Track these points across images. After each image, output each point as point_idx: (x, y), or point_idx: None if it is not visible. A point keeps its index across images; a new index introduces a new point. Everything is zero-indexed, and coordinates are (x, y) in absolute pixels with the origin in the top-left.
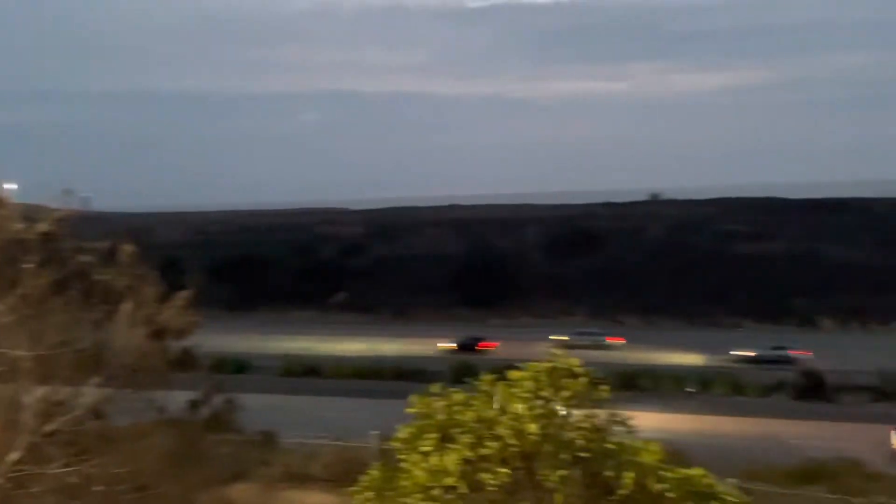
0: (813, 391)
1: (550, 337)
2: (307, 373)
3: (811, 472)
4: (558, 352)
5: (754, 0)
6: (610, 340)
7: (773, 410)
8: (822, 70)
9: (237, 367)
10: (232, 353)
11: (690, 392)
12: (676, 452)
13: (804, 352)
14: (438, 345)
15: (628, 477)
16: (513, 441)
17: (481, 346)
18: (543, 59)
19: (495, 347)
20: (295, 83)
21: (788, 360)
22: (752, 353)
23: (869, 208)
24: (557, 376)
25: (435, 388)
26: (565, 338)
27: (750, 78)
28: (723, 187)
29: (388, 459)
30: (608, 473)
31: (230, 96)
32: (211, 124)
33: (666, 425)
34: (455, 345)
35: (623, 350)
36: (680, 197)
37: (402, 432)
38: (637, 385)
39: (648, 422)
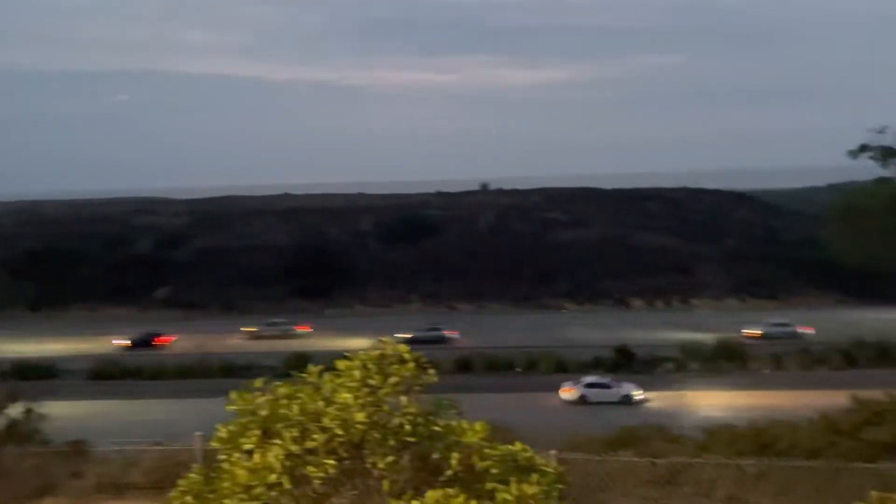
0: (625, 365)
1: (242, 328)
2: (125, 375)
3: (623, 438)
4: (386, 339)
5: (575, 2)
6: (298, 329)
7: None
8: (633, 70)
9: (41, 371)
10: (35, 356)
11: (518, 372)
12: (501, 429)
13: (453, 332)
14: (113, 341)
15: (454, 457)
16: (340, 431)
17: (157, 341)
18: (376, 49)
19: (171, 342)
20: (108, 61)
21: (442, 340)
22: (410, 335)
23: (670, 197)
24: (386, 363)
25: (257, 382)
26: (255, 328)
27: (570, 75)
28: (546, 178)
29: (210, 461)
30: (436, 456)
31: (32, 73)
32: (9, 103)
33: (504, 402)
34: (129, 341)
35: (309, 338)
36: (508, 187)
37: (223, 431)
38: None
39: (482, 402)
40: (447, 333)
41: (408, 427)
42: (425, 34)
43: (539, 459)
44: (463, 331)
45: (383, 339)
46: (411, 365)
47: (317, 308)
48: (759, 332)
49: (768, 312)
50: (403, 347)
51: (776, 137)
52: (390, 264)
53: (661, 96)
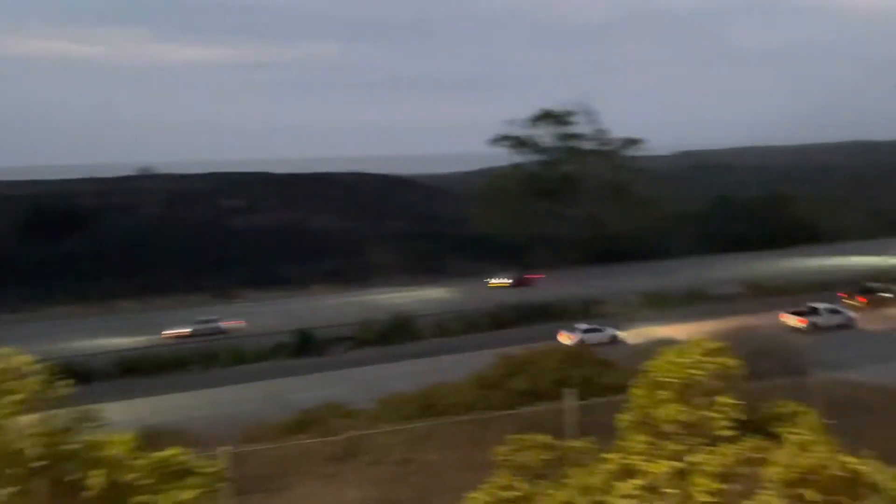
0: (305, 348)
1: None
2: None
3: (302, 422)
4: (4, 350)
5: None
6: None
7: (273, 372)
8: (296, 55)
9: None
10: None
11: (191, 370)
12: (165, 434)
13: None
14: None
15: (95, 475)
16: None
17: None
18: None
19: None
20: None
21: None
22: None
23: (342, 182)
24: (2, 379)
25: None
26: None
27: (233, 56)
28: (216, 162)
29: None
30: (73, 476)
31: None
32: None
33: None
34: None
35: None
36: (173, 172)
37: None
38: None
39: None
40: None
41: (37, 450)
42: None
43: (197, 461)
44: (123, 330)
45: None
46: (35, 379)
47: None
48: (188, 330)
49: (433, 288)
50: (25, 359)
51: (435, 125)
52: (32, 263)
53: (326, 82)
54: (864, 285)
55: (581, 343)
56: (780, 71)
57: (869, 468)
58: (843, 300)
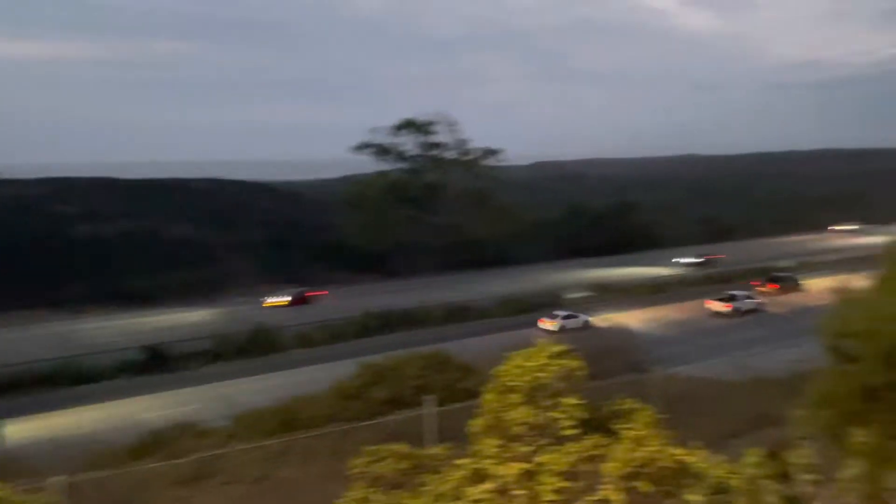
0: (157, 364)
1: None
2: None
3: (151, 444)
4: None
5: None
6: None
7: (121, 391)
8: (144, 53)
9: None
10: None
11: (27, 393)
12: None
13: None
14: None
15: None
16: None
17: None
18: None
19: None
20: None
21: None
22: None
23: (195, 188)
24: None
25: None
26: None
27: (71, 52)
28: (51, 166)
29: None
30: None
31: None
32: None
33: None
34: None
35: None
36: (1, 176)
37: None
38: None
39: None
40: None
41: None
42: None
43: (18, 496)
44: None
45: None
46: None
47: None
48: None
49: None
50: None
51: (292, 130)
52: None
53: (177, 82)
54: (773, 274)
55: (562, 328)
56: (620, 89)
57: (695, 458)
58: (756, 288)
